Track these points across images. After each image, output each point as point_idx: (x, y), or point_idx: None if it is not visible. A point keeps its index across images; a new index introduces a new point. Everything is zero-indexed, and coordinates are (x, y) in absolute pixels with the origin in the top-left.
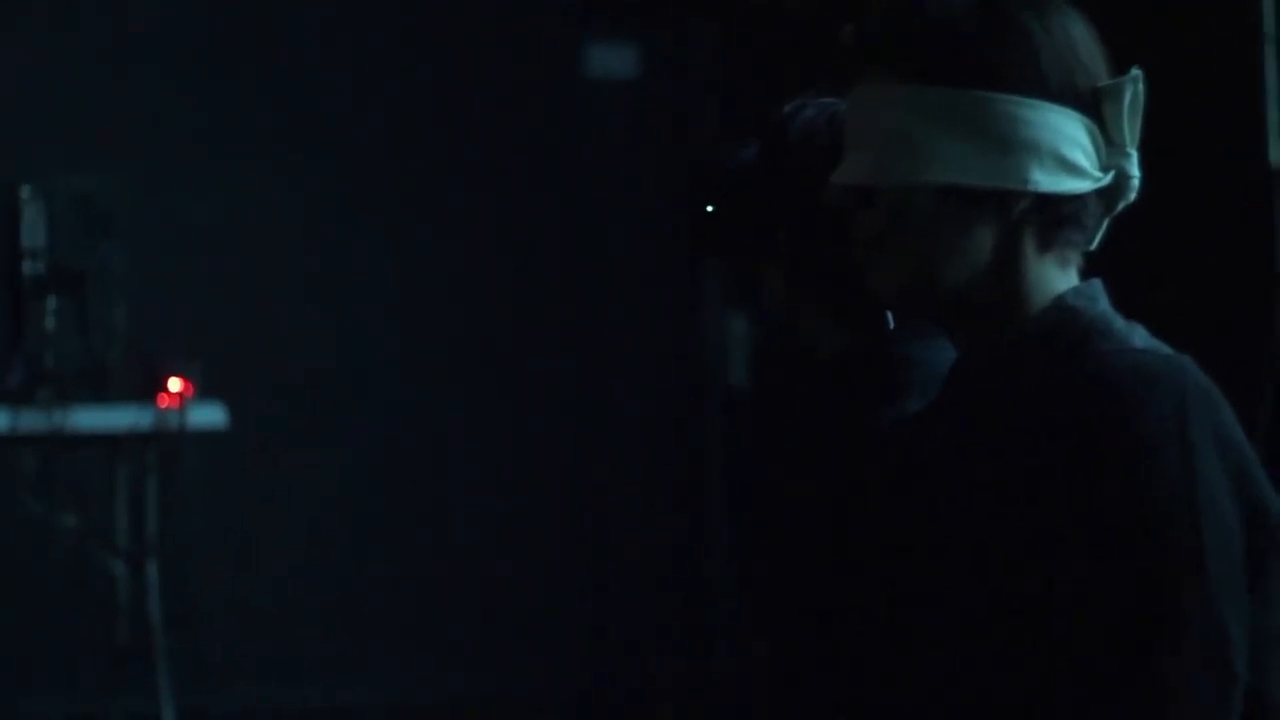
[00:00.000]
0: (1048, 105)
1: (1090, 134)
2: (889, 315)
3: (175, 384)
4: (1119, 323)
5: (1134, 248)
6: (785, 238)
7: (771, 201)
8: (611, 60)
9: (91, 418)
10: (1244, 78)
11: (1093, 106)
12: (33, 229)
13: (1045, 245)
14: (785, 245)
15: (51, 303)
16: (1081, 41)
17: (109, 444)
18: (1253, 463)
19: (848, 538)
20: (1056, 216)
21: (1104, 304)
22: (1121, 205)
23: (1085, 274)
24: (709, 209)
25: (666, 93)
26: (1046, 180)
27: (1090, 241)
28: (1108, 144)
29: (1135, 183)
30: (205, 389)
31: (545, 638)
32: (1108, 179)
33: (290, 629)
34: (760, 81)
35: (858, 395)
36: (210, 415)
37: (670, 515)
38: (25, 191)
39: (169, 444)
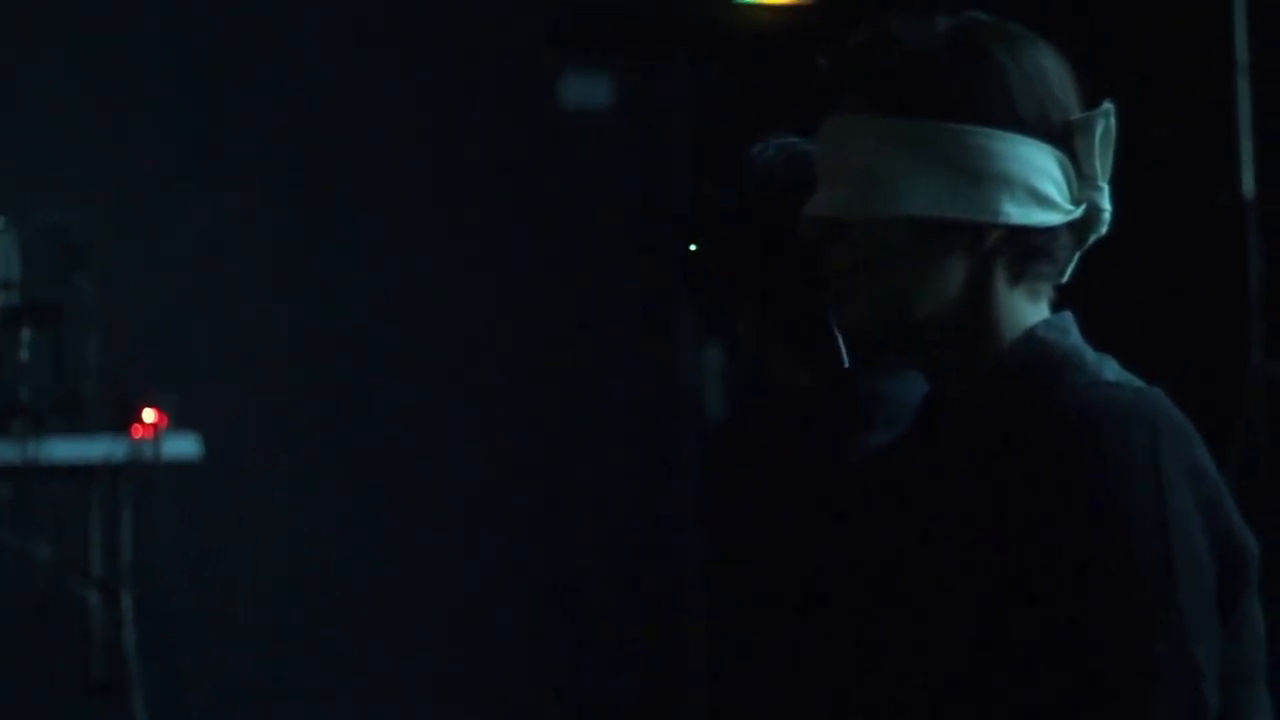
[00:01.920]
0: (1019, 138)
1: (1062, 166)
2: (844, 351)
3: (149, 415)
4: (1090, 355)
5: (1108, 277)
6: (752, 277)
7: (738, 242)
8: (586, 90)
9: (66, 449)
10: (1218, 107)
11: (1064, 139)
12: (7, 261)
13: (1016, 277)
14: (752, 284)
15: (26, 334)
16: (1054, 74)
17: (83, 475)
18: (1224, 495)
19: (820, 570)
20: (1028, 249)
21: (1075, 336)
22: (1093, 238)
23: (1059, 302)
24: (691, 248)
25: (641, 123)
26: (1018, 213)
27: (1062, 274)
28: (1079, 177)
29: (1106, 215)
30: (179, 420)
31: (522, 664)
32: (1079, 212)
33: (266, 659)
34: (735, 113)
35: (826, 431)
36: (184, 446)
37: (646, 545)
38: None
39: (143, 475)
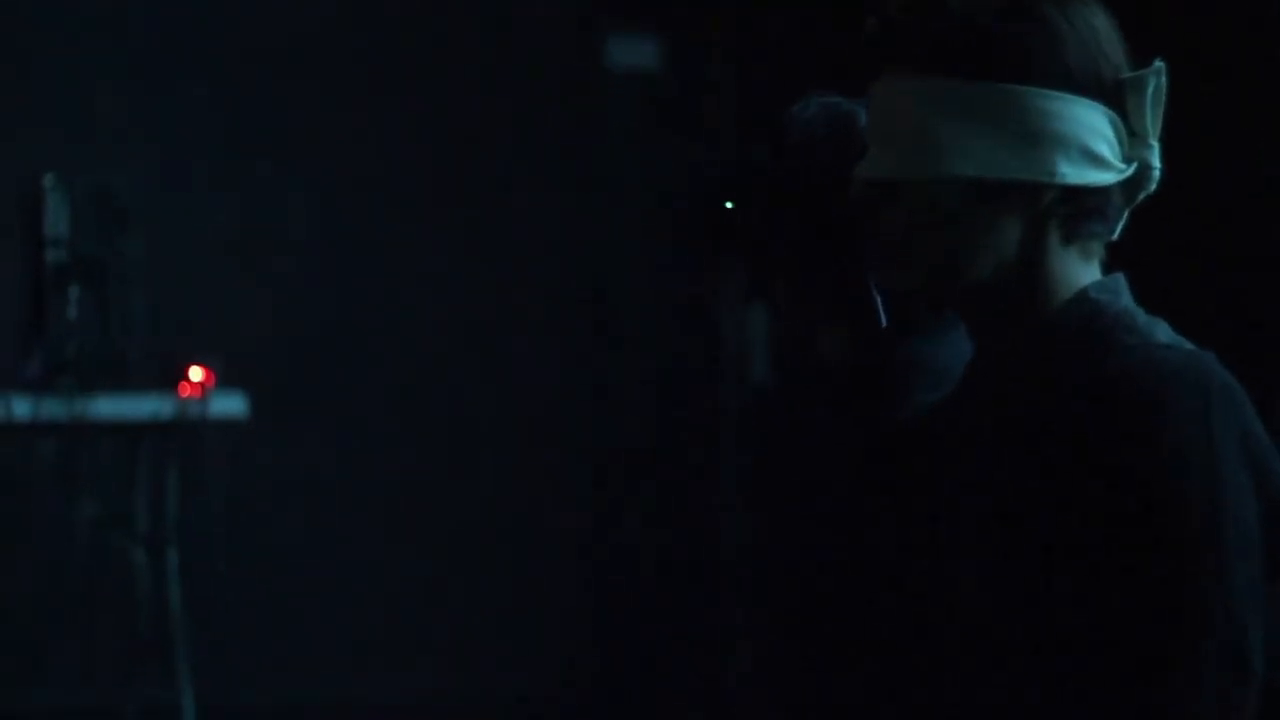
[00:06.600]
0: (1073, 98)
1: (1114, 126)
2: (882, 312)
3: (196, 373)
4: (1142, 318)
5: (1156, 246)
6: (786, 240)
7: (773, 203)
8: (632, 52)
9: (112, 407)
10: (1268, 76)
11: (1116, 98)
12: (55, 219)
13: (1069, 237)
14: (786, 247)
15: (73, 292)
16: (1104, 33)
17: (130, 433)
18: (1276, 461)
19: (864, 537)
20: (1081, 209)
21: (1127, 298)
22: (1142, 196)
23: (1107, 271)
24: (727, 206)
25: (687, 85)
26: (1073, 173)
27: (1112, 232)
28: (1130, 135)
29: (1156, 174)
30: (226, 378)
31: (564, 635)
32: (1130, 170)
33: (311, 619)
34: (782, 74)
35: (865, 397)
36: (231, 404)
37: (687, 511)
38: (48, 181)
39: (190, 433)
